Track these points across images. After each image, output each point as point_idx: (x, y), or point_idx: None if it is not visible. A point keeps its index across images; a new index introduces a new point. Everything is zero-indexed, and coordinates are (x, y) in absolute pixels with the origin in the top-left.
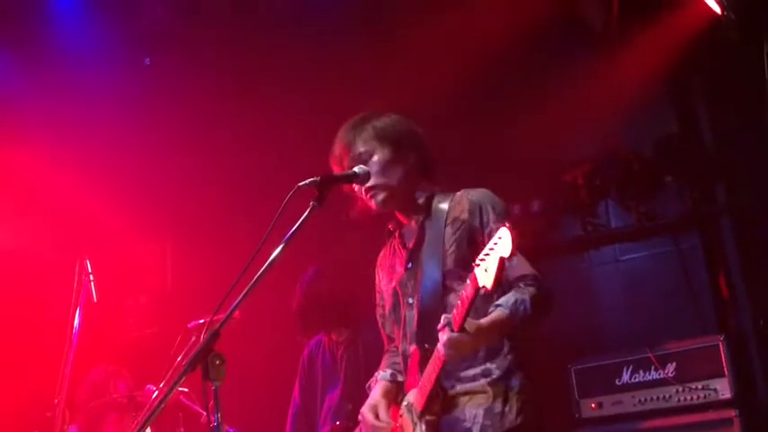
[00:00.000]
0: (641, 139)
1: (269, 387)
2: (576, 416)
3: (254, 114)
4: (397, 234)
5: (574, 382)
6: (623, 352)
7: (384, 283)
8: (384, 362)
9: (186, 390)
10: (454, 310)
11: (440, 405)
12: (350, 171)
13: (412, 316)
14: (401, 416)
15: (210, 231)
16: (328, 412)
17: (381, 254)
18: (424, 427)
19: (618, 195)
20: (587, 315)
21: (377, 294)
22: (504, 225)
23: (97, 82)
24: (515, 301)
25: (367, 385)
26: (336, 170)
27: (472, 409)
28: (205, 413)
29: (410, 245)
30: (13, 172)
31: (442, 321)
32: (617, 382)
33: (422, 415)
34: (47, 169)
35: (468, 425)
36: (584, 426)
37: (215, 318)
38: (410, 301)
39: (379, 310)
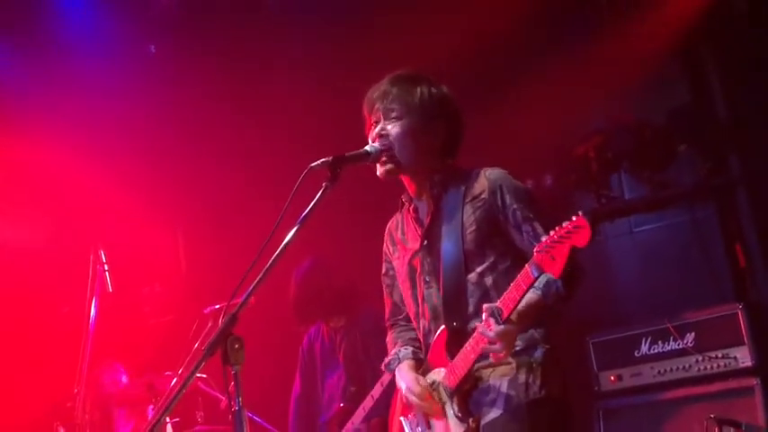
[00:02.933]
0: (653, 108)
1: (272, 376)
2: (596, 388)
3: (266, 98)
4: (411, 207)
5: (592, 354)
6: (641, 323)
7: (396, 256)
8: (397, 338)
9: (204, 376)
10: (502, 299)
11: (470, 384)
12: (362, 150)
13: (431, 294)
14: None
15: (222, 217)
16: (330, 397)
17: (391, 223)
18: (456, 408)
19: (631, 166)
20: (603, 288)
21: (384, 262)
22: (581, 214)
23: (105, 71)
24: (548, 282)
25: (384, 363)
26: (365, 111)
27: (496, 380)
28: (224, 399)
29: (426, 221)
30: (23, 164)
31: (485, 310)
32: (636, 353)
33: (453, 394)
34: (58, 160)
35: (492, 396)
36: (604, 398)
37: (232, 302)
38: (427, 278)
39: (385, 279)
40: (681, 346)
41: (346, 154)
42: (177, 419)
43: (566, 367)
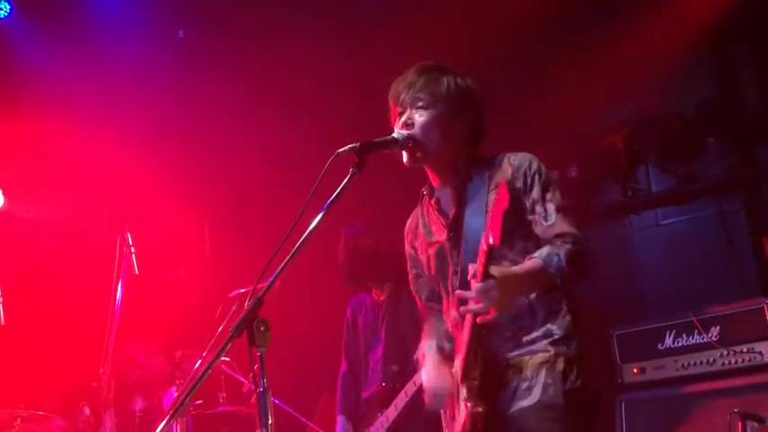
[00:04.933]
0: (682, 100)
1: (318, 350)
2: (619, 381)
3: (294, 84)
4: (433, 200)
5: (616, 347)
6: (665, 316)
7: (421, 250)
8: (427, 331)
9: (228, 359)
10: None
11: (479, 370)
12: (389, 137)
13: (458, 285)
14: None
15: (248, 201)
16: (373, 372)
17: (411, 219)
18: (465, 392)
19: (658, 159)
20: (628, 280)
21: (408, 260)
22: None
23: (134, 55)
24: (549, 253)
25: (415, 358)
26: (391, 101)
27: (534, 368)
28: (247, 382)
29: (451, 212)
30: (55, 146)
31: (469, 274)
32: (659, 346)
33: (462, 380)
34: (88, 143)
35: (530, 384)
36: (627, 390)
37: (258, 286)
38: (456, 269)
39: (411, 278)
40: (705, 340)
41: (374, 140)
42: (200, 401)
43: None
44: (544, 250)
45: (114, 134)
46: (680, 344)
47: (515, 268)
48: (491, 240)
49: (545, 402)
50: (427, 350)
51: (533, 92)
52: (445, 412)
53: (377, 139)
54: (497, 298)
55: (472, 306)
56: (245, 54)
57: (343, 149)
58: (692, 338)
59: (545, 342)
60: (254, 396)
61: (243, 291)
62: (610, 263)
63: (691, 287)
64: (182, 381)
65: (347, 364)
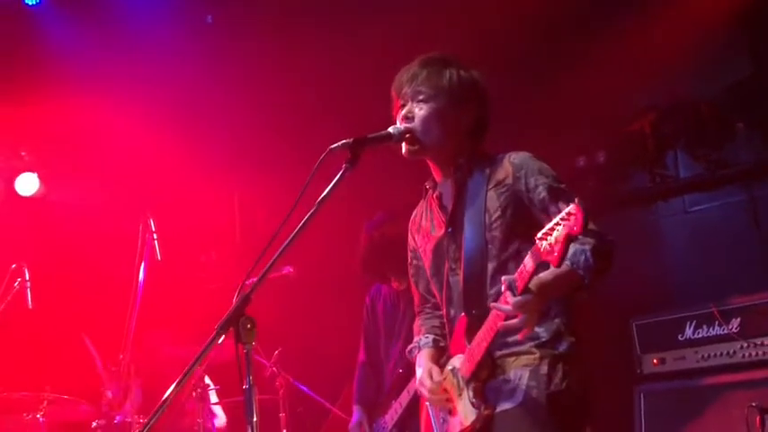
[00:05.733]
0: (711, 84)
1: (342, 337)
2: (638, 371)
3: (323, 65)
4: (434, 195)
5: (635, 337)
6: (686, 306)
7: (421, 244)
8: (421, 326)
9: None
10: (516, 275)
11: (487, 372)
12: (383, 132)
13: (456, 281)
14: (445, 379)
15: (279, 185)
16: (395, 364)
17: (416, 212)
18: (471, 393)
19: (686, 144)
20: (655, 268)
21: (409, 252)
22: (574, 202)
23: (162, 39)
24: (575, 252)
25: (408, 350)
26: (393, 93)
27: (518, 370)
28: (268, 365)
29: (449, 206)
30: (83, 131)
31: (503, 282)
32: (679, 337)
33: (469, 381)
34: (116, 128)
35: (513, 385)
36: (646, 381)
37: (246, 283)
38: (453, 266)
39: (410, 269)
40: (725, 332)
41: (368, 135)
42: (218, 387)
43: (606, 349)
44: (569, 249)
45: (143, 119)
46: (700, 335)
47: (545, 276)
48: (533, 261)
49: (527, 405)
50: (423, 345)
51: (561, 77)
52: (436, 408)
53: (371, 135)
54: (535, 311)
55: (513, 322)
56: (273, 38)
57: (335, 145)
58: (713, 330)
59: (530, 344)
60: (276, 381)
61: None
62: (636, 250)
63: (718, 276)
64: (209, 366)
65: (365, 353)
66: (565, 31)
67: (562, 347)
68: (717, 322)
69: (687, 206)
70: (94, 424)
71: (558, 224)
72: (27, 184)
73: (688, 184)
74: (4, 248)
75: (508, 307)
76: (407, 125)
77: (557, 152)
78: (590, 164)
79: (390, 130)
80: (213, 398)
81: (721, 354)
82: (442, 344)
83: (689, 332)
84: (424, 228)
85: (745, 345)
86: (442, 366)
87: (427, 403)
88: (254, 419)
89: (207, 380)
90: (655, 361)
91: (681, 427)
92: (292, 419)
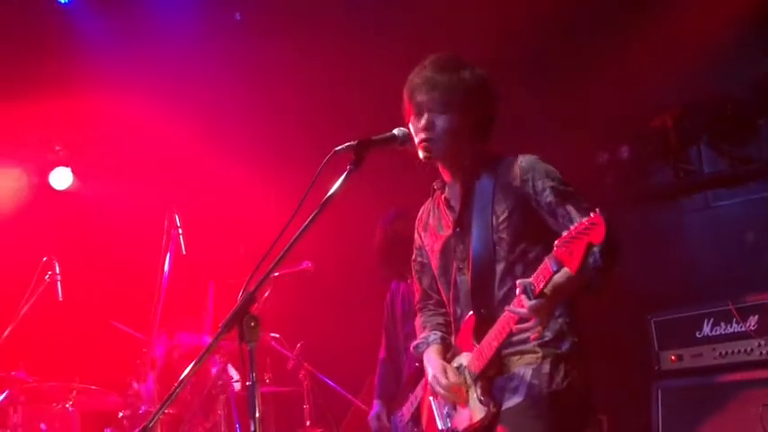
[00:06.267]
0: (734, 80)
1: (365, 331)
2: (656, 368)
3: (353, 62)
4: (443, 195)
5: (654, 333)
6: (704, 303)
7: (428, 242)
8: (426, 323)
9: (277, 335)
10: (532, 279)
11: (494, 371)
12: (388, 134)
13: (464, 281)
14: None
15: (305, 180)
16: (412, 360)
17: (422, 211)
18: (479, 391)
19: (710, 139)
20: (676, 263)
21: (414, 249)
22: (595, 212)
23: (191, 36)
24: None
25: (413, 345)
26: (406, 96)
27: (521, 368)
28: (291, 357)
29: (457, 207)
30: (114, 127)
31: (518, 285)
32: (697, 334)
33: (477, 379)
34: (146, 125)
35: (516, 383)
36: (664, 378)
37: (250, 282)
38: (460, 265)
39: (414, 265)
40: (743, 329)
41: (372, 137)
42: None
43: (625, 345)
44: None
45: (171, 115)
46: (718, 332)
47: (559, 279)
48: (555, 267)
49: (529, 402)
50: (431, 342)
51: (584, 74)
52: (435, 398)
53: (375, 137)
54: (547, 314)
55: (528, 325)
56: (302, 36)
57: (340, 147)
58: (730, 327)
59: (534, 343)
60: (300, 373)
61: (276, 274)
62: (659, 246)
63: (740, 272)
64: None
65: (386, 349)
66: (589, 28)
67: (565, 347)
68: (734, 320)
69: (711, 201)
70: (121, 414)
71: (579, 232)
72: (61, 177)
73: (712, 179)
74: (36, 241)
75: (524, 310)
76: (429, 135)
77: (580, 147)
78: (613, 159)
79: (395, 131)
80: (238, 387)
81: (738, 351)
82: (448, 341)
83: (706, 329)
84: (431, 226)
85: (762, 342)
86: (447, 362)
87: (431, 397)
88: (257, 415)
89: (231, 370)
90: (673, 358)
91: (698, 424)
92: (315, 410)
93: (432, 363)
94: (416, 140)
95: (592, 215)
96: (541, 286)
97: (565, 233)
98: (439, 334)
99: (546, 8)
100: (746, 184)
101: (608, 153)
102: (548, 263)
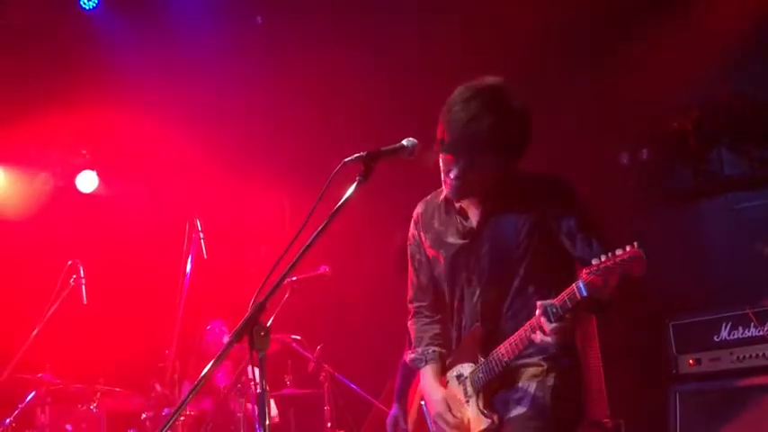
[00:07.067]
0: (755, 82)
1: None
2: (674, 371)
3: (369, 67)
4: (459, 206)
5: (672, 337)
6: (722, 307)
7: (431, 243)
8: (422, 333)
9: (299, 337)
10: (556, 302)
11: (498, 384)
12: (398, 145)
13: (472, 293)
14: (447, 383)
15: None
16: None
17: (425, 209)
18: (482, 403)
19: (731, 142)
20: (696, 266)
21: (409, 245)
22: (635, 245)
23: (212, 40)
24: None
25: (409, 359)
26: (441, 123)
27: (526, 381)
28: (312, 359)
29: (475, 220)
30: (137, 132)
31: (539, 307)
32: (715, 338)
33: (480, 391)
34: (169, 130)
35: (521, 394)
36: (682, 381)
37: (260, 292)
38: (470, 277)
39: (414, 262)
40: (761, 333)
41: (382, 149)
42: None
43: (644, 348)
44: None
45: (193, 121)
46: (735, 336)
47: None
48: (585, 293)
49: (533, 412)
50: (429, 360)
51: (605, 76)
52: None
53: (384, 148)
54: (564, 336)
55: (546, 339)
56: (322, 40)
57: (349, 158)
58: (748, 331)
59: (539, 357)
60: (321, 375)
61: (294, 279)
62: (678, 248)
63: (760, 276)
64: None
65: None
66: (610, 31)
67: (568, 361)
68: (752, 324)
69: (731, 203)
70: (144, 416)
71: (616, 263)
72: (87, 181)
73: (732, 181)
74: (61, 243)
75: (548, 335)
76: (456, 183)
77: (600, 150)
78: (633, 161)
79: (404, 142)
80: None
81: (756, 355)
82: (444, 355)
83: (724, 333)
84: (437, 230)
85: None
86: (445, 372)
87: (422, 403)
88: (267, 422)
89: (251, 372)
90: (691, 362)
91: (715, 428)
92: (336, 413)
93: (432, 390)
94: (444, 176)
95: (629, 248)
96: (567, 311)
97: (596, 261)
98: (436, 350)
99: (568, 12)
100: (767, 187)
101: (628, 155)
102: (576, 289)
